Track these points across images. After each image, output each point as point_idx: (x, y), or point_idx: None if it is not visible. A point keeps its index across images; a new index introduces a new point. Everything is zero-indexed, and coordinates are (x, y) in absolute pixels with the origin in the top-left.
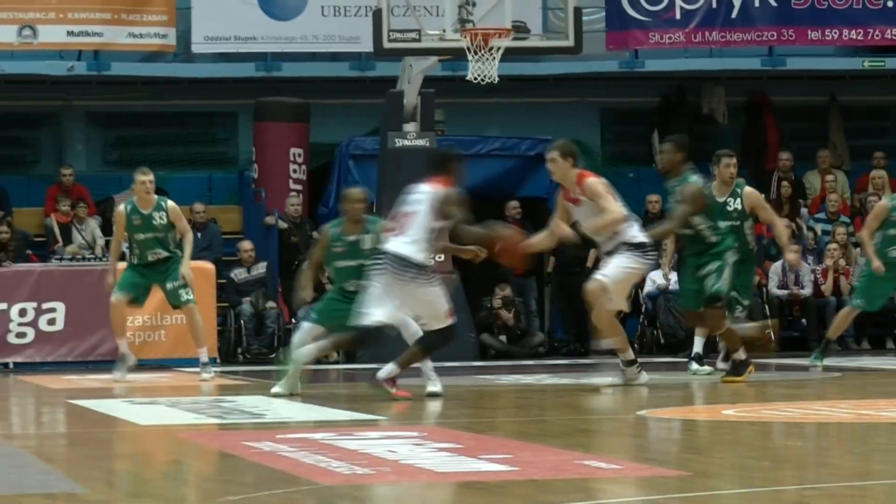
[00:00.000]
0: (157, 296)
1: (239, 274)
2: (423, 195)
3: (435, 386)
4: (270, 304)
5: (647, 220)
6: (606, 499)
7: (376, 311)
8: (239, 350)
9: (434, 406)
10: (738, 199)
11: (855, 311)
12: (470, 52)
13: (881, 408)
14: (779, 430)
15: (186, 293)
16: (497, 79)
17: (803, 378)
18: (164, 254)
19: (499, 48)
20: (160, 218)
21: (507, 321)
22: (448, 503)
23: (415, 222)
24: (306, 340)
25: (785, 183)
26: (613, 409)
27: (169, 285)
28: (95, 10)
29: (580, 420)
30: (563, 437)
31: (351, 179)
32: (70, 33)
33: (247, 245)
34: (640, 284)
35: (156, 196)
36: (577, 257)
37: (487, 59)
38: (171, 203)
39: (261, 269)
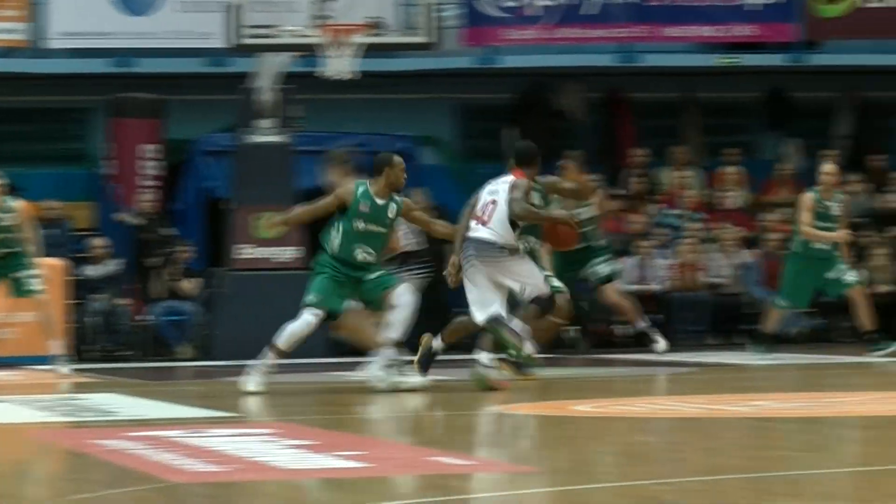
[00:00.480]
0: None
1: (90, 271)
2: (503, 185)
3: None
4: (122, 300)
5: None
6: (460, 495)
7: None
8: (89, 347)
9: (287, 402)
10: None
11: (781, 311)
12: (327, 49)
13: (731, 402)
14: (629, 425)
15: (36, 284)
16: (355, 75)
17: (654, 374)
18: (9, 250)
19: (356, 44)
20: (8, 219)
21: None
22: (301, 500)
23: (496, 211)
24: (306, 333)
25: (635, 179)
26: (468, 405)
27: (17, 274)
28: None
29: (435, 416)
30: (418, 434)
31: (207, 175)
32: None
33: (98, 241)
34: None
35: (3, 197)
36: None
37: (344, 55)
38: (20, 204)
39: (113, 265)
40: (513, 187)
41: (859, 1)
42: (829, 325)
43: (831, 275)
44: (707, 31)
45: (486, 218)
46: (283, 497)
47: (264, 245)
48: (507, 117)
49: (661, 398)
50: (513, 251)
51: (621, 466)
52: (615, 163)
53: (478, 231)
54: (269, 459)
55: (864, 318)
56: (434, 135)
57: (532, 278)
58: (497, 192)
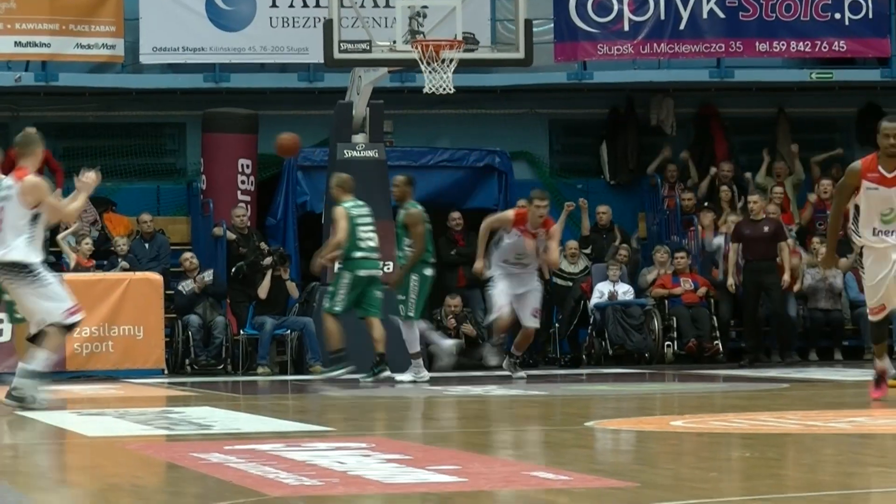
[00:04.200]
0: (105, 306)
1: (187, 285)
2: None
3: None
4: (219, 315)
5: (595, 231)
6: None
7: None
8: (187, 361)
9: (380, 416)
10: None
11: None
12: (421, 64)
13: (829, 419)
14: (727, 441)
15: None
16: (452, 90)
17: (751, 389)
18: None
19: (451, 60)
20: None
21: (470, 333)
22: None
23: None
24: None
25: (724, 187)
26: (562, 419)
27: None
28: (43, 20)
29: (529, 431)
30: (512, 448)
31: (299, 191)
32: (17, 44)
33: (188, 255)
34: (588, 296)
35: None
36: None
37: (440, 70)
38: None
39: (208, 278)
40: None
41: None
42: None
43: None
44: (799, 46)
45: None
46: None
47: None
48: (599, 133)
49: (756, 414)
50: None
51: (718, 482)
52: (710, 178)
53: None
54: (365, 473)
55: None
56: (527, 150)
57: None
58: None
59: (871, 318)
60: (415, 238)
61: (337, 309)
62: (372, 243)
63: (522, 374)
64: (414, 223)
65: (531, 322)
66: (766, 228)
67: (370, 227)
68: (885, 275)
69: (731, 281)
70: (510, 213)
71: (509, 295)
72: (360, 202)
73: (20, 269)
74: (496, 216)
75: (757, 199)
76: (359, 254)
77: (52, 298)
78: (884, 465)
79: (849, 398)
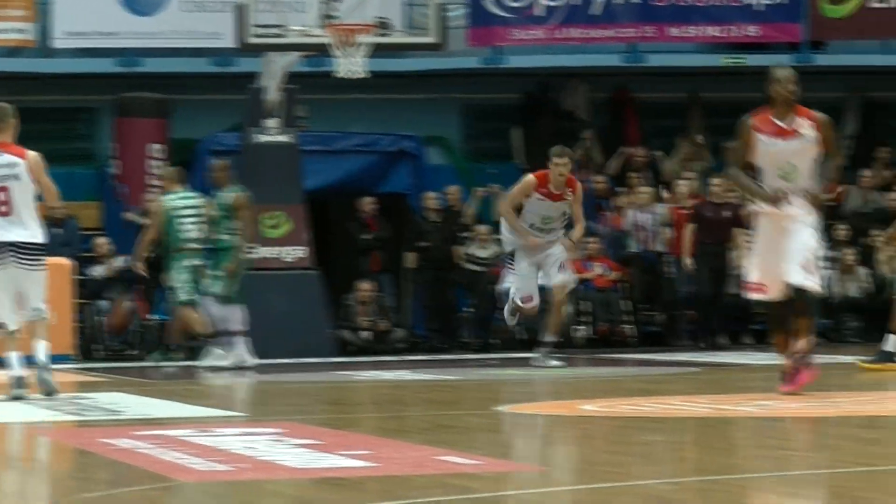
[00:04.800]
0: None
1: (97, 270)
2: None
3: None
4: (129, 299)
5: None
6: (465, 494)
7: None
8: (97, 347)
9: (292, 402)
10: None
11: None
12: (334, 48)
13: (738, 402)
14: (636, 424)
15: None
16: (365, 74)
17: (661, 373)
18: None
19: (363, 44)
20: None
21: (383, 328)
22: (306, 499)
23: None
24: None
25: (634, 173)
26: (473, 404)
27: None
28: None
29: (440, 416)
30: (423, 433)
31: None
32: None
33: (101, 241)
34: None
35: None
36: (446, 254)
37: (354, 55)
38: None
39: (119, 263)
40: None
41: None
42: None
43: None
44: (712, 30)
45: None
46: (290, 496)
47: (270, 245)
48: (513, 117)
49: (666, 397)
50: None
51: (627, 466)
52: (622, 162)
53: None
54: (276, 458)
55: None
56: (440, 135)
57: None
58: None
59: (753, 296)
60: (245, 220)
61: (183, 298)
62: (193, 234)
63: (557, 363)
64: (243, 206)
65: (558, 277)
66: (726, 213)
67: (193, 219)
68: (776, 248)
69: (687, 260)
70: (530, 177)
71: (534, 278)
72: (189, 194)
73: (39, 252)
74: (514, 191)
75: (720, 182)
76: (180, 245)
77: (43, 289)
78: (791, 448)
79: (758, 382)
